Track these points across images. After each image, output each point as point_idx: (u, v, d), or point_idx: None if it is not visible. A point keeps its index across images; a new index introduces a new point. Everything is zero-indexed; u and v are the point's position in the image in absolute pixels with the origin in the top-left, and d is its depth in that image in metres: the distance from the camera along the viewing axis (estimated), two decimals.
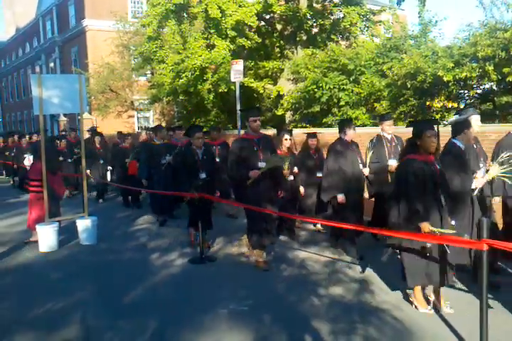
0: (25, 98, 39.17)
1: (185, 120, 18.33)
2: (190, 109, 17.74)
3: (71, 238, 7.76)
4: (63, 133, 17.70)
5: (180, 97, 16.79)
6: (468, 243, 4.26)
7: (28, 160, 13.26)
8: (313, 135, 8.05)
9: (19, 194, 13.17)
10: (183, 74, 15.30)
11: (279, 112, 14.61)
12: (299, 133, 9.68)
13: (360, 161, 6.81)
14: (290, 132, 7.94)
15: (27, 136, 16.50)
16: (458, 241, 4.21)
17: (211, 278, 5.77)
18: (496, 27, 9.76)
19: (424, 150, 4.56)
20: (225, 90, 14.72)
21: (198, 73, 15.05)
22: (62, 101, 7.66)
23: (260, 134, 6.32)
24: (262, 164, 5.99)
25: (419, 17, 13.06)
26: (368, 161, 6.99)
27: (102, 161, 12.13)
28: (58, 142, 13.27)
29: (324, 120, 12.41)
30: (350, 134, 6.71)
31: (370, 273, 5.78)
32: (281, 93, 14.91)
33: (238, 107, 12.58)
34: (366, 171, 6.91)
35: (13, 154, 15.58)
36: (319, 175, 7.44)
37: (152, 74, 21.50)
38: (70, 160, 12.82)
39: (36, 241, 7.32)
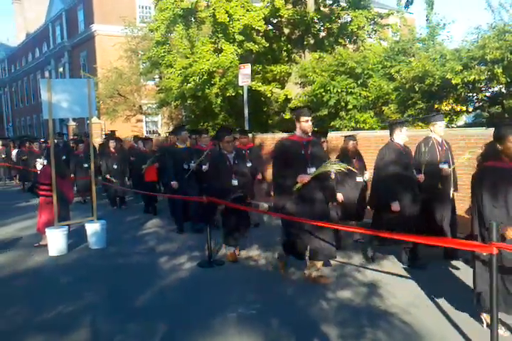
0: (34, 102, 39.51)
1: (193, 124, 18.39)
2: (198, 113, 17.81)
3: (80, 242, 7.80)
4: (75, 136, 17.78)
5: (188, 101, 16.86)
6: (478, 246, 4.23)
7: (40, 164, 13.42)
8: (353, 137, 7.48)
9: (29, 198, 13.26)
10: (191, 79, 15.38)
11: (287, 116, 14.62)
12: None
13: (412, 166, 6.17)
14: (325, 134, 7.57)
15: (41, 140, 16.46)
16: (467, 244, 4.19)
17: (220, 282, 5.77)
18: (504, 29, 9.73)
19: (507, 156, 4.10)
20: (233, 94, 14.76)
21: (205, 77, 15.12)
22: (71, 105, 7.72)
23: (309, 137, 5.68)
24: (310, 170, 5.42)
25: (427, 20, 13.05)
26: (423, 167, 6.23)
27: (116, 166, 11.69)
28: (75, 146, 13.32)
29: (332, 123, 12.40)
30: (403, 137, 6.17)
31: (378, 276, 5.75)
32: (288, 97, 14.93)
33: (246, 111, 12.63)
34: (421, 178, 6.19)
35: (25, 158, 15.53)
36: (359, 179, 7.16)
37: (160, 78, 21.62)
38: (86, 165, 12.14)
39: (46, 245, 7.36)
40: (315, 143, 5.75)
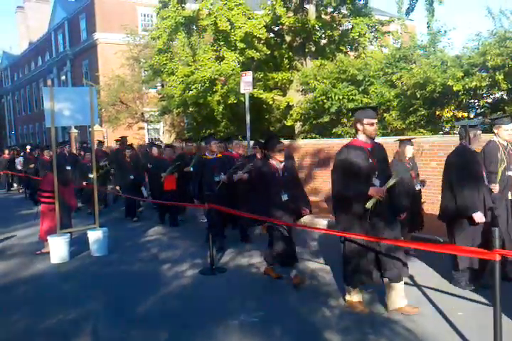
0: (37, 111, 39.65)
1: (195, 131, 18.44)
2: (200, 120, 17.85)
3: (82, 249, 7.80)
4: (85, 145, 17.26)
5: (190, 109, 16.91)
6: (480, 253, 4.21)
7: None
8: (410, 141, 6.91)
9: (31, 206, 13.28)
10: (193, 86, 15.44)
11: (289, 123, 14.65)
12: None
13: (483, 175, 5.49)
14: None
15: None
16: (469, 250, 4.18)
17: (222, 290, 5.75)
18: (505, 36, 9.76)
19: None
20: (235, 101, 14.80)
21: (207, 85, 15.17)
22: (73, 113, 7.75)
23: (374, 142, 4.91)
24: (376, 181, 4.69)
25: (428, 27, 13.10)
26: (499, 175, 5.55)
27: (132, 177, 11.09)
28: (83, 154, 12.93)
29: (334, 130, 12.41)
30: (478, 141, 5.54)
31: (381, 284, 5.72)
32: (290, 104, 14.96)
33: (248, 118, 12.65)
34: (496, 188, 5.51)
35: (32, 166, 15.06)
36: (418, 187, 6.89)
37: (162, 86, 21.71)
38: (91, 176, 11.73)
39: (48, 253, 7.36)
40: (380, 148, 4.95)
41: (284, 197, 5.75)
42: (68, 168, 12.14)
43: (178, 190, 9.97)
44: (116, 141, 14.56)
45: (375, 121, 4.81)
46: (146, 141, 26.55)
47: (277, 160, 5.82)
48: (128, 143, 12.92)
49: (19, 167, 17.14)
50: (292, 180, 6.00)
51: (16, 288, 6.06)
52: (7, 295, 5.81)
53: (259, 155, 8.25)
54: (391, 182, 4.66)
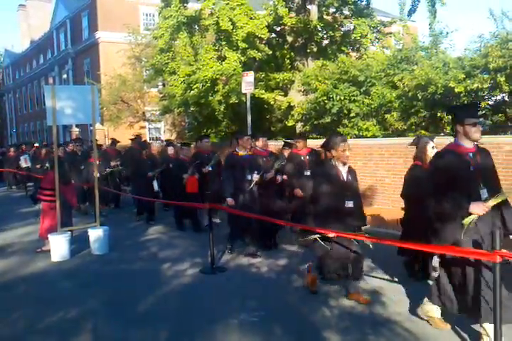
0: (38, 109, 39.67)
1: (196, 131, 18.44)
2: (201, 120, 17.84)
3: (83, 247, 7.81)
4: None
5: (192, 108, 16.90)
6: (481, 254, 4.21)
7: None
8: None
9: (32, 204, 13.27)
10: (194, 86, 15.43)
11: (290, 123, 14.64)
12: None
13: None
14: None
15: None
16: (470, 252, 4.17)
17: (222, 289, 5.76)
18: (507, 38, 9.76)
19: None
20: (236, 101, 14.79)
21: (209, 85, 15.16)
22: (74, 111, 7.77)
23: (477, 146, 4.19)
24: (483, 194, 4.06)
25: (430, 28, 13.09)
26: None
27: (151, 173, 10.40)
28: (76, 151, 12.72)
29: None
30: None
31: (381, 284, 5.74)
32: (291, 104, 14.96)
33: (249, 118, 12.66)
34: None
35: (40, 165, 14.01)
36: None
37: (163, 85, 21.70)
38: (98, 175, 11.10)
39: (48, 251, 7.38)
40: (484, 154, 4.22)
41: (349, 204, 5.08)
42: (82, 167, 11.80)
43: (200, 192, 9.10)
44: (131, 140, 14.24)
45: (479, 120, 4.13)
46: (148, 140, 26.55)
47: (341, 162, 5.15)
48: (144, 141, 12.38)
49: (24, 164, 16.34)
50: (356, 186, 5.36)
51: (16, 286, 6.08)
52: (7, 293, 5.82)
53: (286, 154, 8.45)
54: (498, 198, 3.95)
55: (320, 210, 5.11)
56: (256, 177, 7.15)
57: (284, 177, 7.95)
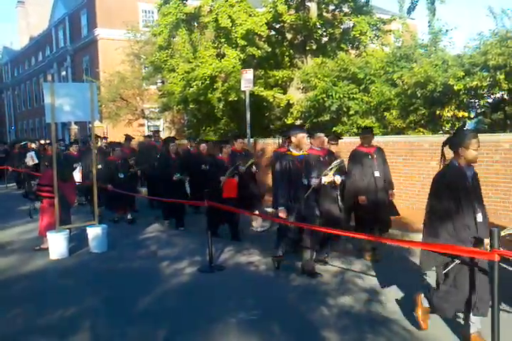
0: (37, 106, 39.60)
1: (195, 128, 18.42)
2: (200, 117, 17.82)
3: (81, 245, 7.80)
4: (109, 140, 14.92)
5: (191, 106, 16.89)
6: (480, 253, 4.20)
7: (80, 172, 11.61)
8: None
9: (31, 201, 13.24)
10: (194, 83, 15.41)
11: (289, 121, 14.63)
12: None
13: None
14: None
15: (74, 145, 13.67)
16: (468, 251, 4.17)
17: (220, 287, 5.76)
18: (506, 36, 9.76)
19: None
20: (235, 99, 14.78)
21: (208, 82, 15.15)
22: (73, 109, 7.74)
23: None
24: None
25: (429, 26, 13.08)
26: None
27: (178, 175, 9.20)
28: (110, 150, 11.43)
29: (334, 129, 12.41)
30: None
31: (379, 283, 5.73)
32: (290, 102, 14.94)
33: (248, 116, 12.64)
34: None
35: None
36: None
37: (163, 82, 21.68)
38: (122, 176, 10.11)
39: (47, 249, 7.36)
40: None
41: (479, 218, 4.09)
42: (99, 166, 10.51)
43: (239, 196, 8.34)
44: (149, 136, 13.67)
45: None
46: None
47: (467, 163, 4.13)
48: (171, 137, 11.01)
49: (30, 162, 15.28)
50: (481, 193, 4.35)
51: (14, 283, 6.07)
52: (6, 290, 5.81)
53: (334, 151, 7.39)
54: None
55: (445, 226, 4.03)
56: (315, 181, 6.03)
57: (337, 178, 6.33)
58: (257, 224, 9.09)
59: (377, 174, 6.80)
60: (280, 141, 10.06)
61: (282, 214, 5.88)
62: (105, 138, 12.50)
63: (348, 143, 10.05)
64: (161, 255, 7.35)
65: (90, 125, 9.32)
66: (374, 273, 6.11)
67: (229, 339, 4.28)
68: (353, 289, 5.55)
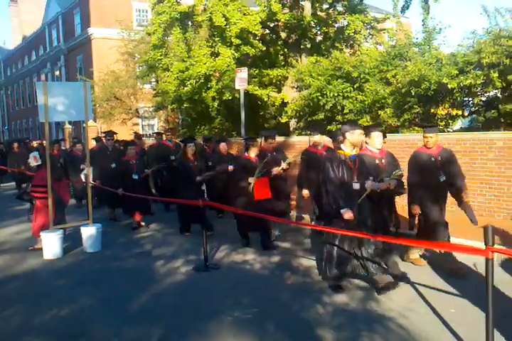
0: (30, 105, 39.43)
1: (190, 127, 18.39)
2: (195, 116, 17.80)
3: (76, 245, 7.76)
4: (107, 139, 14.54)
5: (185, 105, 16.85)
6: (473, 250, 4.23)
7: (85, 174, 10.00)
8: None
9: (24, 202, 13.15)
10: (188, 82, 15.38)
11: (284, 120, 14.63)
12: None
13: None
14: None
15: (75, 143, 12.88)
16: (462, 248, 4.19)
17: (215, 286, 5.75)
18: (500, 34, 9.78)
19: None
20: (230, 98, 14.76)
21: (202, 81, 15.12)
22: (67, 108, 7.71)
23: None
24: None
25: (423, 25, 13.10)
26: None
27: (199, 178, 8.43)
28: (123, 149, 10.74)
29: (328, 127, 12.41)
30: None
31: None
32: (285, 100, 14.95)
33: (242, 115, 12.63)
34: None
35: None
36: None
37: (157, 82, 21.61)
38: (136, 177, 9.23)
39: (40, 249, 7.33)
40: None
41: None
42: (113, 165, 10.32)
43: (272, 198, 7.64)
44: (158, 134, 12.94)
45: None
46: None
47: None
48: (191, 136, 10.42)
49: (34, 163, 14.30)
50: None
51: (8, 284, 6.03)
52: (0, 291, 5.78)
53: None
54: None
55: None
56: (371, 185, 5.31)
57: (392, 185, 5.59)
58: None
59: (442, 178, 6.03)
60: (308, 139, 9.40)
61: (349, 215, 5.12)
62: (111, 134, 11.09)
63: None
64: (155, 254, 7.33)
65: (84, 124, 9.24)
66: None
67: (224, 338, 4.27)
68: (348, 287, 5.55)
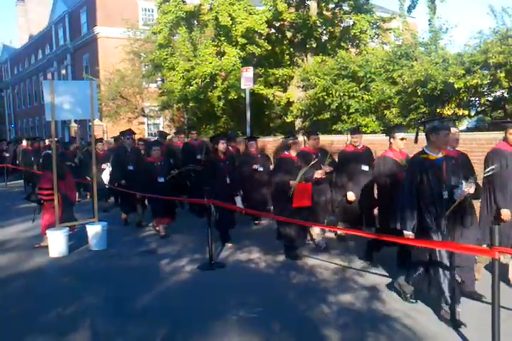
0: (37, 104, 39.55)
1: (196, 127, 18.42)
2: (200, 115, 17.83)
3: (81, 243, 7.79)
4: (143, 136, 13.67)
5: (191, 104, 16.89)
6: (479, 251, 4.21)
7: (107, 171, 10.21)
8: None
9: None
10: (194, 81, 15.41)
11: (289, 119, 14.63)
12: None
13: None
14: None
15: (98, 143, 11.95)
16: (468, 248, 4.17)
17: (220, 285, 5.75)
18: (507, 34, 9.73)
19: None
20: (235, 97, 14.77)
21: (208, 80, 15.14)
22: (73, 107, 7.74)
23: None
24: None
25: (430, 24, 13.05)
26: None
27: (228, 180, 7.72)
28: (145, 149, 10.31)
29: (334, 127, 12.40)
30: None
31: (380, 280, 5.73)
32: (291, 100, 14.94)
33: (248, 114, 12.63)
34: None
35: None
36: None
37: (162, 81, 21.65)
38: (162, 180, 8.45)
39: (46, 247, 7.35)
40: None
41: None
42: (130, 168, 9.52)
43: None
44: (178, 132, 12.07)
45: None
46: (146, 136, 26.43)
47: None
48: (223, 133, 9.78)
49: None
50: None
51: (14, 281, 6.06)
52: (5, 288, 5.80)
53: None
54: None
55: None
56: (460, 193, 4.50)
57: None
58: (318, 235, 7.49)
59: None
60: (347, 138, 8.15)
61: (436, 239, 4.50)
62: (130, 133, 10.01)
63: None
64: (161, 252, 7.35)
65: (90, 123, 9.24)
66: (375, 271, 6.10)
67: (229, 337, 4.28)
68: (353, 287, 5.54)
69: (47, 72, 36.13)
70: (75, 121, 25.35)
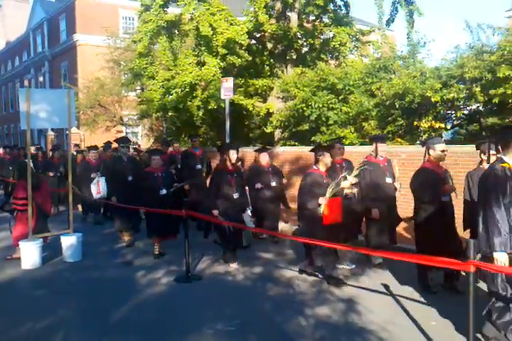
0: (12, 111, 38.98)
1: (174, 136, 18.33)
2: (180, 125, 17.75)
3: (55, 255, 7.63)
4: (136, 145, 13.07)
5: (170, 113, 16.81)
6: (455, 264, 4.23)
7: (97, 185, 9.08)
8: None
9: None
10: (173, 91, 15.36)
11: (268, 130, 14.66)
12: None
13: None
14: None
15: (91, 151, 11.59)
16: (444, 262, 4.19)
17: (197, 297, 5.69)
18: (482, 49, 9.95)
19: None
20: (215, 107, 14.76)
21: (187, 90, 15.11)
22: (50, 115, 7.62)
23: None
24: None
25: (408, 38, 13.27)
26: None
27: (236, 195, 7.09)
28: (146, 159, 9.79)
29: (313, 138, 12.46)
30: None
31: (356, 293, 5.73)
32: (270, 111, 14.98)
33: (227, 124, 12.62)
34: None
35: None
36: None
37: (142, 90, 21.56)
38: (164, 192, 7.67)
39: (19, 258, 7.18)
40: None
41: None
42: (130, 178, 8.66)
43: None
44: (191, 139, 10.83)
45: None
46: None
47: None
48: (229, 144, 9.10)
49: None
50: None
51: None
52: None
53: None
54: None
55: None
56: None
57: None
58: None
59: None
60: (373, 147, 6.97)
61: (502, 261, 3.90)
62: (125, 141, 9.26)
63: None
64: (137, 264, 7.24)
65: (67, 132, 9.11)
66: (352, 283, 6.09)
67: None
68: (330, 299, 5.53)
69: (24, 79, 35.71)
70: (52, 130, 25.05)
